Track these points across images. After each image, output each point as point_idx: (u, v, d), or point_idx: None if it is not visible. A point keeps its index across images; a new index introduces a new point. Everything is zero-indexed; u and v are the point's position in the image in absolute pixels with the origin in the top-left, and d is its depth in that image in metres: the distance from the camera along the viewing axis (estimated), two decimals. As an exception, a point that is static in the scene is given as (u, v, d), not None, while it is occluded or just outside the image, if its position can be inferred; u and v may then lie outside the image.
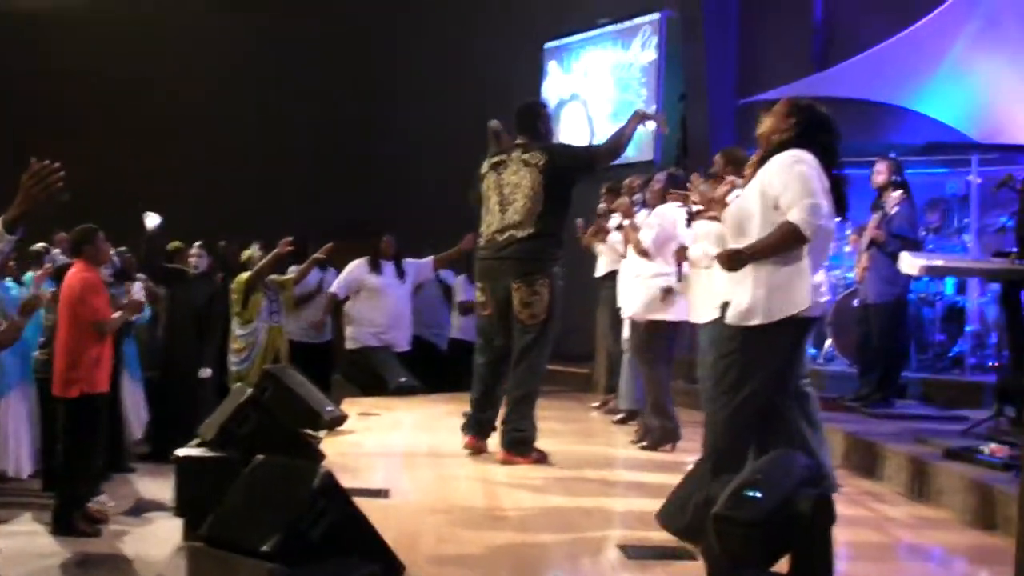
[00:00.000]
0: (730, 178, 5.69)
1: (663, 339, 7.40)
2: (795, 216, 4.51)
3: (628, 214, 7.60)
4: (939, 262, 7.10)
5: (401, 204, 14.57)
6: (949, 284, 9.64)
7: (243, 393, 6.35)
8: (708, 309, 5.84)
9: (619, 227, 7.98)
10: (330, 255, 10.48)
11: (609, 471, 6.94)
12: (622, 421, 8.72)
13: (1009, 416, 6.95)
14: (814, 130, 4.75)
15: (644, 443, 7.49)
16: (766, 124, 4.84)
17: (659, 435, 7.38)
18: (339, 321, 10.92)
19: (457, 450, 7.12)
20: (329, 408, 7.68)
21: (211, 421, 6.32)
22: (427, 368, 11.03)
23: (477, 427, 7.02)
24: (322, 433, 7.47)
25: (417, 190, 14.80)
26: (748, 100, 11.25)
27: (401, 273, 10.61)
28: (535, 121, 7.06)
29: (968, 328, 9.63)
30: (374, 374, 10.03)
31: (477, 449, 6.97)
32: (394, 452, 7.34)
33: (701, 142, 12.53)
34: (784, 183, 4.58)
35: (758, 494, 3.85)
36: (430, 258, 10.87)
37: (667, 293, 7.24)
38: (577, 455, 7.24)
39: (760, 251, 4.60)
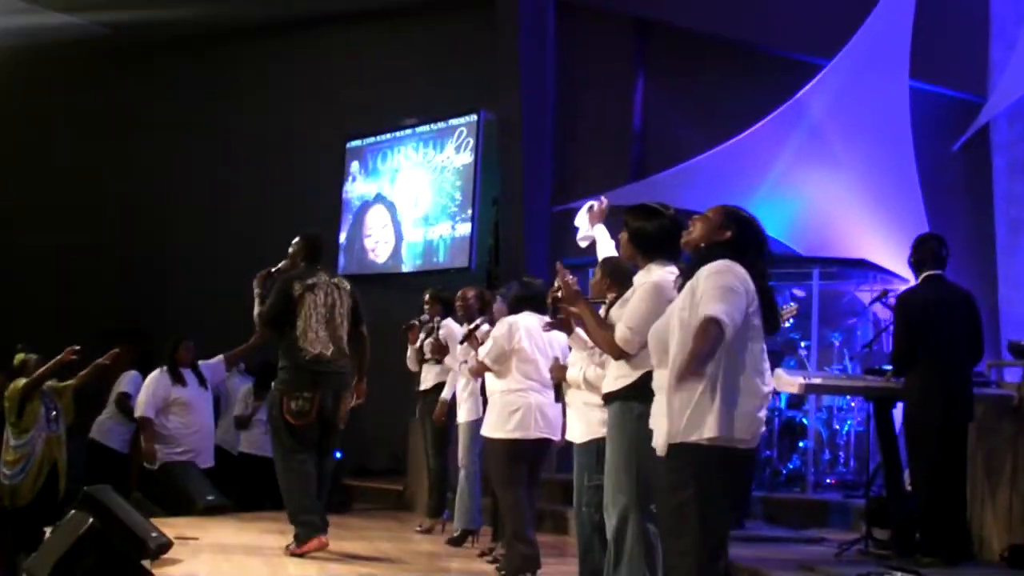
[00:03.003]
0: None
1: (521, 459, 6.81)
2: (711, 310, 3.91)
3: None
4: (818, 380, 6.84)
5: (190, 306, 13.70)
6: (783, 399, 9.45)
7: (82, 523, 5.42)
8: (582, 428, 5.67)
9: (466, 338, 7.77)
10: (114, 361, 9.60)
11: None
12: (456, 541, 8.12)
13: (878, 539, 6.73)
14: (746, 243, 4.23)
15: (503, 571, 6.86)
16: (696, 230, 4.36)
17: (518, 562, 6.74)
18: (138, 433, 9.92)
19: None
20: (154, 534, 6.75)
21: (41, 557, 5.39)
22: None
23: (325, 524, 7.30)
24: (146, 562, 6.52)
25: (207, 290, 13.88)
26: (563, 207, 11.00)
27: (202, 380, 9.80)
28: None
29: (802, 444, 9.46)
30: (179, 491, 9.10)
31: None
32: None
33: (515, 248, 12.18)
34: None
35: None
36: (220, 357, 10.10)
37: None
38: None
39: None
